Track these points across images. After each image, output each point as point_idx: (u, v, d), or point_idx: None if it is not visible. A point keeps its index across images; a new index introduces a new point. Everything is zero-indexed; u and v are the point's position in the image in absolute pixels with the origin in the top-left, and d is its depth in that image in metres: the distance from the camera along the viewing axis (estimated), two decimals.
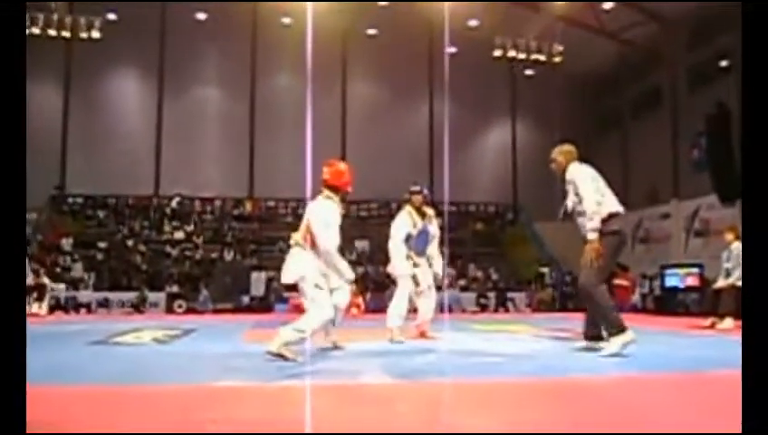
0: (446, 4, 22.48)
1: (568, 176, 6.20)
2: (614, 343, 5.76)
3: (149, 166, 29.67)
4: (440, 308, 10.37)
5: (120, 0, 27.09)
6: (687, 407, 3.70)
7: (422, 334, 8.00)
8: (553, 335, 8.75)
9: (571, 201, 6.18)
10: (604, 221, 5.90)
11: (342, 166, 6.28)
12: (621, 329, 5.75)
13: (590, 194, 5.92)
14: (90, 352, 6.81)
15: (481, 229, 30.36)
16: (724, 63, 24.13)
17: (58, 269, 24.04)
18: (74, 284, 23.16)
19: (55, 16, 24.35)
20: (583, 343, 6.44)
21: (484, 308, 23.84)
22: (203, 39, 29.41)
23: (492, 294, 24.92)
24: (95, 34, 25.39)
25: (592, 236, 5.83)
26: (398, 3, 27.62)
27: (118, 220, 28.23)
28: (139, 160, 29.35)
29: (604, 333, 6.04)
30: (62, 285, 22.36)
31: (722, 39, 23.93)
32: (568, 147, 6.47)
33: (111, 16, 27.13)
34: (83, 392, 4.12)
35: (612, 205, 6.04)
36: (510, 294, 24.93)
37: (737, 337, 8.78)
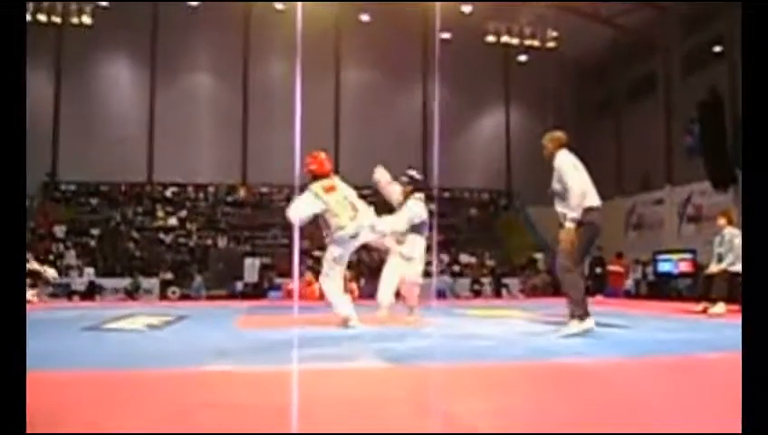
0: None
1: (555, 163, 6.57)
2: (574, 326, 6.26)
3: (142, 152, 29.59)
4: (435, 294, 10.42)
5: None
6: (679, 389, 3.72)
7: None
8: (546, 320, 8.77)
9: (552, 187, 6.55)
10: (585, 213, 6.29)
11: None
12: (584, 315, 6.24)
13: (577, 186, 6.30)
14: (83, 338, 6.81)
15: (475, 215, 30.42)
16: (717, 49, 24.13)
17: (51, 256, 24.00)
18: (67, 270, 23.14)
19: (45, 2, 24.21)
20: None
21: (477, 294, 23.91)
22: (195, 25, 29.26)
23: (486, 280, 24.99)
24: (87, 21, 25.26)
25: (570, 225, 6.22)
26: None
27: (111, 207, 28.18)
28: (132, 147, 29.25)
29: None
30: (91, 270, 22.45)
31: (715, 25, 23.96)
32: (557, 134, 6.83)
33: (103, 2, 26.96)
34: (76, 378, 4.12)
35: (591, 198, 6.42)
36: (504, 280, 25.00)
37: (729, 321, 8.83)
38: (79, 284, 22.17)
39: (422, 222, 8.38)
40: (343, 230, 7.26)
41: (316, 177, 7.42)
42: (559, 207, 6.46)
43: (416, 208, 8.39)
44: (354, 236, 7.31)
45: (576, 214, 6.22)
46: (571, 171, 6.42)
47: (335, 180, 7.48)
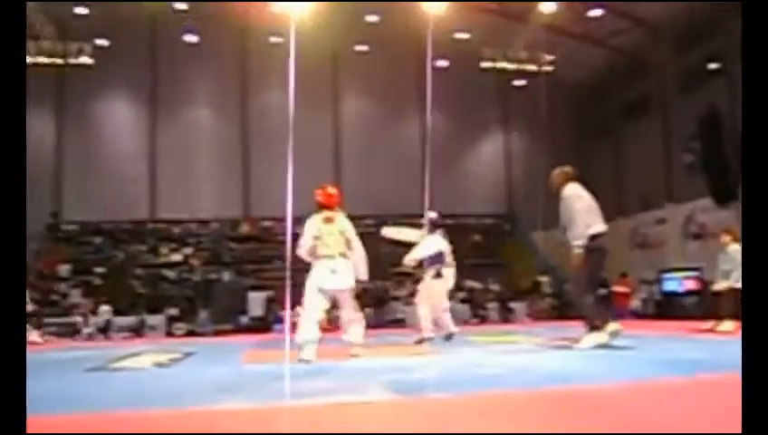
0: (432, 18, 22.48)
1: (563, 195, 7.39)
2: (589, 340, 7.08)
3: (144, 190, 29.69)
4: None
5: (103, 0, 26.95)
6: (692, 412, 3.68)
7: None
8: (554, 344, 8.73)
9: (562, 218, 7.38)
10: (591, 239, 7.08)
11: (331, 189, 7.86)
12: (597, 328, 7.09)
13: (581, 217, 7.11)
14: (88, 379, 6.77)
15: (479, 241, 30.37)
16: (713, 66, 24.25)
17: (56, 296, 23.97)
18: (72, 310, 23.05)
19: (45, 44, 24.46)
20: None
21: (483, 319, 23.78)
22: (193, 61, 29.51)
23: (491, 305, 24.89)
24: (87, 60, 25.48)
25: (578, 251, 7.07)
26: (387, 19, 27.73)
27: (114, 245, 28.19)
28: (134, 185, 29.38)
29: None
30: (107, 307, 22.17)
31: (710, 42, 24.09)
32: (565, 169, 7.66)
33: (102, 42, 27.18)
34: (81, 421, 4.09)
35: (598, 225, 7.23)
36: (510, 305, 24.89)
37: (738, 339, 8.77)
38: (91, 323, 21.94)
39: (439, 253, 9.81)
40: (326, 258, 7.37)
41: (322, 207, 7.64)
42: (567, 234, 7.24)
43: (431, 243, 9.83)
44: (333, 270, 7.35)
45: (581, 241, 7.02)
46: (576, 203, 7.20)
47: (337, 214, 7.65)
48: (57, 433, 3.59)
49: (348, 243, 7.51)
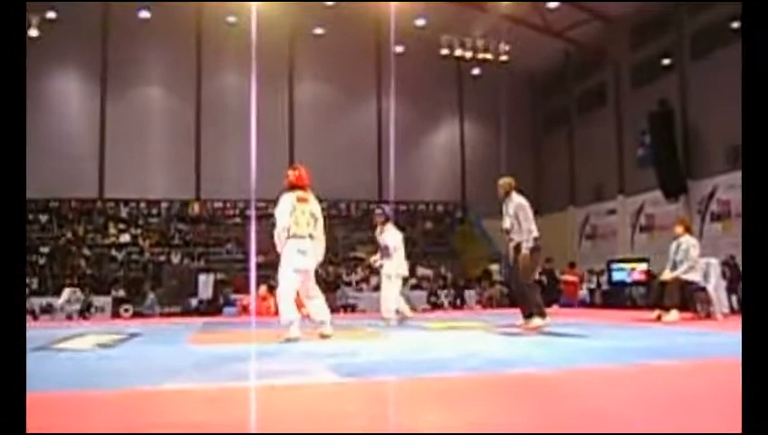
0: (393, 3, 22.42)
1: (512, 202, 8.84)
2: (536, 322, 8.43)
3: (93, 168, 29.05)
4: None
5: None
6: (637, 397, 3.71)
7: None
8: (502, 331, 8.79)
9: (507, 221, 8.89)
10: (533, 241, 8.63)
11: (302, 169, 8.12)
12: (542, 315, 8.52)
13: (527, 225, 8.63)
14: (30, 359, 6.58)
15: (430, 228, 30.50)
16: (666, 62, 24.67)
17: None
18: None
19: None
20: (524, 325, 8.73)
21: (435, 306, 23.89)
22: (146, 38, 28.89)
23: (442, 292, 25.01)
24: (33, 33, 24.79)
25: (526, 252, 8.60)
26: (345, 2, 27.57)
27: (61, 224, 27.60)
28: (82, 163, 28.71)
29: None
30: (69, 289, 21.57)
31: (664, 38, 24.50)
32: (509, 179, 9.10)
33: (50, 14, 26.45)
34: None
35: (536, 230, 8.73)
36: (461, 292, 25.04)
37: (683, 329, 8.95)
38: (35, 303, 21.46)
39: (395, 246, 11.07)
40: (297, 238, 7.52)
41: (293, 187, 7.80)
42: (514, 237, 8.80)
43: (391, 236, 11.18)
44: (302, 251, 7.53)
45: (529, 244, 8.57)
46: (523, 212, 8.69)
47: (309, 195, 7.87)
48: None
49: (315, 224, 7.73)
